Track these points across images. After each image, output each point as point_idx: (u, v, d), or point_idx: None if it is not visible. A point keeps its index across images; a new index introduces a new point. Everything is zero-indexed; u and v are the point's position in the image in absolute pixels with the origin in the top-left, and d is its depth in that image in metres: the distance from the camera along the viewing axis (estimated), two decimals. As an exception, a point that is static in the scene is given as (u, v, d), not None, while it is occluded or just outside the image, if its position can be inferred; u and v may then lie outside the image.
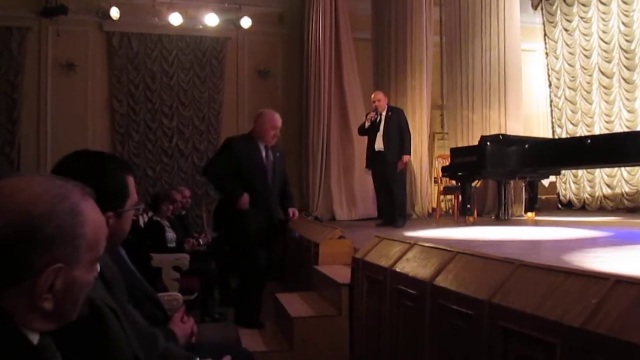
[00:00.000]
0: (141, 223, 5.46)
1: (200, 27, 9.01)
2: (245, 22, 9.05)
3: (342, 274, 3.81)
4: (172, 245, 5.35)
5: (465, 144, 7.50)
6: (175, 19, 8.71)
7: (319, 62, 8.29)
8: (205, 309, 5.26)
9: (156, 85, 8.98)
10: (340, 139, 8.29)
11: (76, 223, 0.91)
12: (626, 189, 8.50)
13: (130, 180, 1.51)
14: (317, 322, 3.59)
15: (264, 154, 4.45)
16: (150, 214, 5.53)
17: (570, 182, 9.48)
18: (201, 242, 5.95)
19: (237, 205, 4.19)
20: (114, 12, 8.46)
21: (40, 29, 8.59)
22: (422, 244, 2.96)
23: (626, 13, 8.41)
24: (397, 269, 2.87)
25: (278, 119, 4.53)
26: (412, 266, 2.78)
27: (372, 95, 6.70)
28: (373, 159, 6.53)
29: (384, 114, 6.47)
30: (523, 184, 7.44)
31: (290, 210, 4.60)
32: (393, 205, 6.38)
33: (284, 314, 3.89)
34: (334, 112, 8.28)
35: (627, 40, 8.42)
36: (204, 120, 9.20)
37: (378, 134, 6.45)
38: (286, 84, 9.59)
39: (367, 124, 6.49)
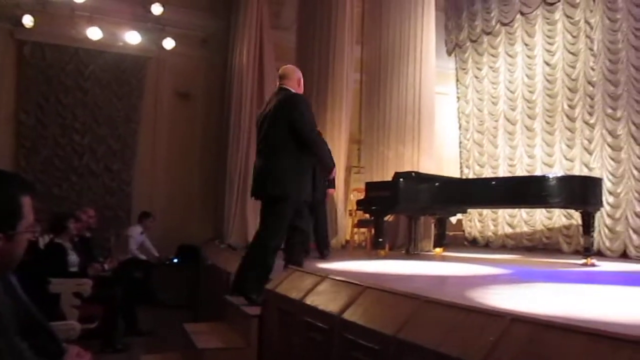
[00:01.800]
0: (41, 245, 5.12)
1: (121, 44, 8.77)
2: (168, 43, 8.91)
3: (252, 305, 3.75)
4: (74, 269, 5.05)
5: (380, 179, 7.71)
6: (94, 33, 8.41)
7: (241, 89, 8.30)
8: (107, 338, 4.98)
9: (69, 100, 8.57)
10: (259, 167, 8.26)
11: None
12: (525, 229, 9.07)
13: (26, 201, 1.40)
14: (224, 355, 3.49)
15: None
16: (51, 235, 5.20)
17: (476, 220, 9.98)
18: (106, 267, 5.66)
19: (331, 174, 4.03)
20: (27, 20, 8.05)
21: (-57, 32, 8.01)
22: (333, 277, 2.99)
23: (529, 66, 9.11)
24: (308, 302, 2.87)
25: None
26: (322, 299, 2.79)
27: None
28: None
29: None
30: (432, 220, 7.73)
31: None
32: (317, 236, 6.35)
33: (190, 345, 3.76)
34: (253, 139, 8.24)
35: (529, 92, 9.10)
36: (119, 139, 8.86)
37: None
38: (206, 108, 9.49)
39: None
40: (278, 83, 4.19)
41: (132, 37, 8.70)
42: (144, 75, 9.11)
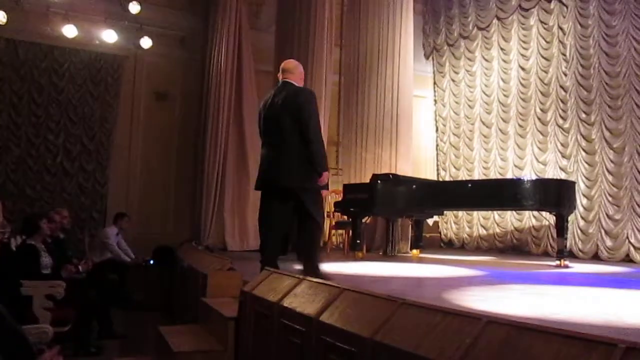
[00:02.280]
0: (13, 246, 5.01)
1: (97, 42, 8.64)
2: (146, 43, 8.81)
3: (229, 307, 3.73)
4: (47, 271, 4.95)
5: (358, 181, 7.74)
6: (70, 31, 8.28)
7: (220, 90, 8.24)
8: (80, 341, 4.90)
9: (43, 99, 8.42)
10: (236, 168, 8.23)
11: None
12: (497, 230, 9.20)
13: None
14: (200, 358, 3.45)
15: None
16: (23, 237, 5.09)
17: (452, 222, 10.09)
18: (80, 269, 5.56)
19: (324, 180, 4.07)
20: (0, 16, 7.88)
21: None
22: (311, 279, 2.98)
23: (505, 71, 9.25)
24: (285, 304, 2.86)
25: None
26: (299, 301, 2.78)
27: None
28: None
29: None
30: (410, 222, 7.78)
31: None
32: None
33: (166, 349, 3.71)
34: (231, 140, 8.22)
35: (504, 95, 9.24)
36: (93, 139, 8.73)
37: None
38: (184, 108, 9.41)
39: None
40: (281, 77, 4.24)
41: (109, 36, 8.58)
42: (121, 75, 8.99)
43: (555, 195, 6.11)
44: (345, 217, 7.30)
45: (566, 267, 5.96)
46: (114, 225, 7.67)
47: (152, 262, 8.03)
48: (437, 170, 10.55)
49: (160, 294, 7.54)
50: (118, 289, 6.73)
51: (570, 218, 7.55)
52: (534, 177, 6.89)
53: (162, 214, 8.93)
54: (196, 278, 5.03)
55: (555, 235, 6.68)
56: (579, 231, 7.67)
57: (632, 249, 7.07)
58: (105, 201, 8.76)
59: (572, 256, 7.47)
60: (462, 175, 9.88)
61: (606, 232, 7.37)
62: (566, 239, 6.25)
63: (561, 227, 6.13)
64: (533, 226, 8.52)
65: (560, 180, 7.25)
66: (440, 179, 10.19)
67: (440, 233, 10.30)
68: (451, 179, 9.97)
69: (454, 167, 10.19)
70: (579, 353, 1.51)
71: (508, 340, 1.74)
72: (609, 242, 7.33)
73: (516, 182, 6.36)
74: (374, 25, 8.24)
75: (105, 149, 8.80)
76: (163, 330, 4.09)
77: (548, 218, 7.96)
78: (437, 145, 10.65)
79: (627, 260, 7.05)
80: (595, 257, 7.39)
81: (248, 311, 3.36)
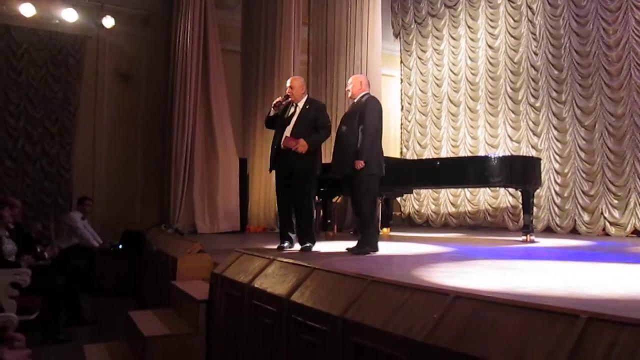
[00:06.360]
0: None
1: (57, 21, 8.36)
2: (108, 22, 8.56)
3: (200, 289, 3.71)
4: (12, 259, 4.83)
5: (329, 161, 7.71)
6: (27, 9, 7.98)
7: (186, 70, 8.07)
8: (49, 329, 4.82)
9: (1, 80, 8.13)
10: (204, 149, 8.11)
11: None
12: (469, 208, 9.34)
13: None
14: (171, 342, 3.44)
15: None
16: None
17: (413, 199, 10.20)
18: (46, 256, 5.43)
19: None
20: (-48, -4, 7.56)
21: None
22: (281, 259, 2.99)
23: (473, 49, 9.31)
24: (256, 285, 2.86)
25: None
26: (270, 282, 2.79)
27: (289, 81, 5.21)
28: (281, 160, 5.05)
29: (300, 105, 5.07)
30: (380, 201, 7.83)
31: None
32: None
33: (136, 333, 3.68)
34: (199, 121, 8.08)
35: (472, 74, 9.31)
36: (56, 122, 8.49)
37: (288, 128, 5.00)
38: (150, 89, 9.21)
39: (272, 112, 5.09)
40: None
41: (69, 15, 8.30)
42: (83, 55, 8.73)
43: (521, 172, 6.22)
44: (316, 197, 7.29)
45: (532, 242, 6.09)
46: (78, 210, 7.52)
47: (120, 246, 7.92)
48: (401, 148, 10.61)
49: (129, 279, 7.45)
50: (86, 275, 6.63)
51: (546, 195, 7.76)
52: (500, 155, 7.00)
53: (129, 198, 8.79)
54: (166, 262, 4.98)
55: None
56: (555, 207, 7.87)
57: (607, 223, 7.31)
58: (71, 186, 8.56)
59: (550, 231, 7.67)
60: (429, 154, 9.98)
61: (582, 208, 7.58)
62: (532, 214, 6.39)
63: (527, 203, 6.26)
64: (510, 204, 8.69)
65: (526, 157, 7.39)
66: (403, 157, 10.26)
67: (407, 211, 10.40)
68: (415, 158, 10.06)
69: (420, 145, 10.27)
70: (543, 325, 1.55)
71: (474, 314, 1.77)
72: (586, 217, 7.55)
73: (483, 160, 6.45)
74: (342, 3, 8.17)
75: (68, 132, 8.58)
76: (133, 316, 4.05)
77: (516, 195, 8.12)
78: (401, 124, 10.71)
79: (605, 234, 7.29)
80: (574, 232, 7.61)
81: (219, 293, 3.35)
